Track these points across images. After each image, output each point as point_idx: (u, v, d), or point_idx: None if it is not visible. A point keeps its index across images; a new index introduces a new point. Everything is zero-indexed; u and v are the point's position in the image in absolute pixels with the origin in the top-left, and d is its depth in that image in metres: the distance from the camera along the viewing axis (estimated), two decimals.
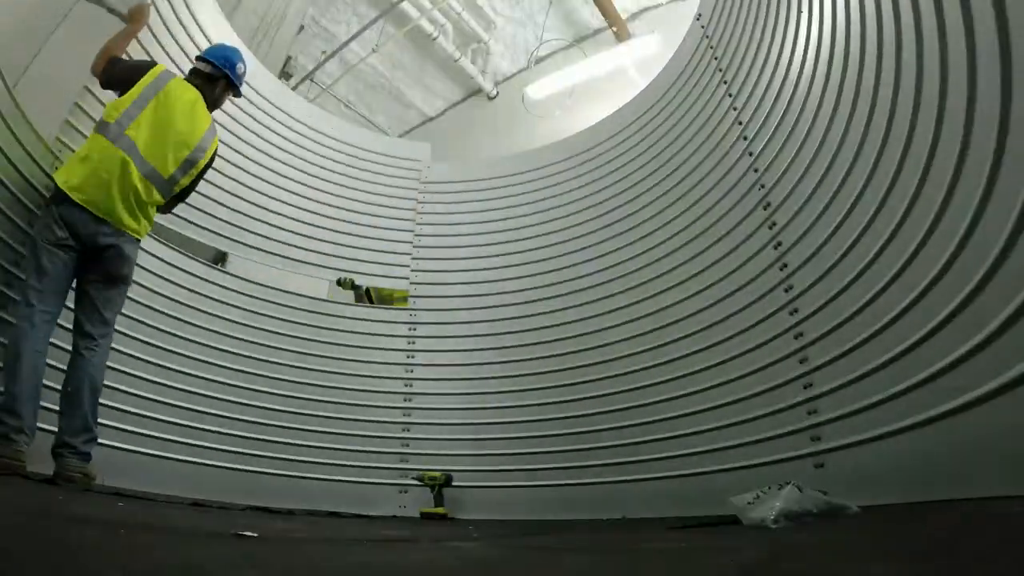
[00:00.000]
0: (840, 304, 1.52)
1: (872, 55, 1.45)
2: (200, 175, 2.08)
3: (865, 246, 1.45)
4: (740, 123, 2.17)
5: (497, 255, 3.14)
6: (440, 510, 2.37)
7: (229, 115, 2.77)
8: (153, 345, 2.30)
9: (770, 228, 1.88)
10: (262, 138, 2.99)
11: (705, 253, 2.17)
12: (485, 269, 3.13)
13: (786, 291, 1.75)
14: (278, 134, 3.08)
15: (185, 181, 2.02)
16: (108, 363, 1.86)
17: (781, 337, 1.73)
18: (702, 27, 2.46)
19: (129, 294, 1.99)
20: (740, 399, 1.83)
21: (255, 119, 2.98)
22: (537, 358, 2.68)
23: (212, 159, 2.10)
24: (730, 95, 2.27)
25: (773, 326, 1.78)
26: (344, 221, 3.14)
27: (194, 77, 2.11)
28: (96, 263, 1.82)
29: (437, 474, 2.44)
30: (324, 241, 3.08)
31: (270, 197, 2.94)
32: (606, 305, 2.51)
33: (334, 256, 3.09)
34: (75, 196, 1.74)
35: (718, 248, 2.12)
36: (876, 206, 1.41)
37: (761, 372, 1.78)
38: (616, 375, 2.33)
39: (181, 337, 2.40)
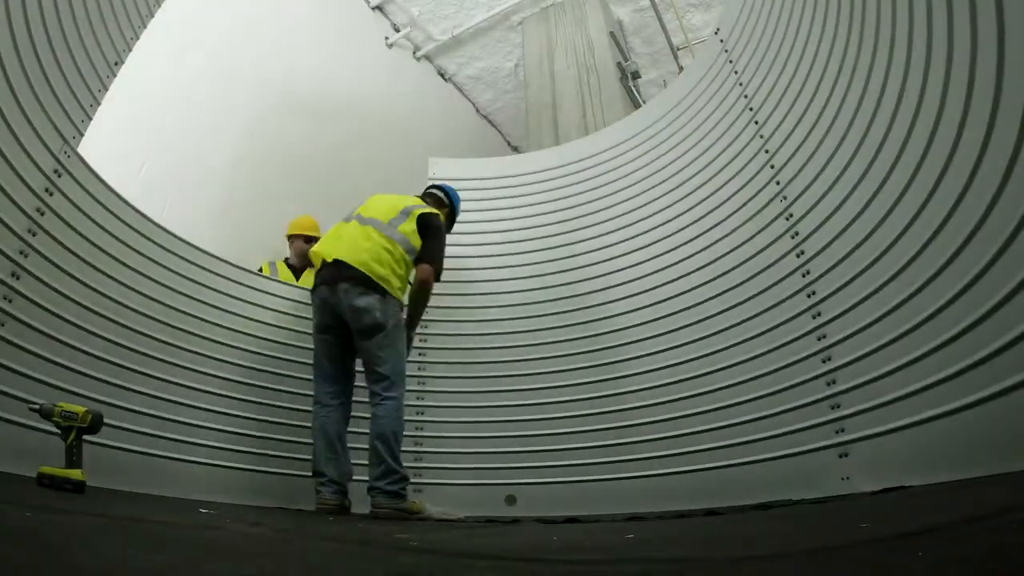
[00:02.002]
0: (862, 311, 1.63)
1: (901, 56, 1.54)
2: (421, 228, 2.46)
3: (885, 248, 1.56)
4: (760, 133, 2.29)
5: (503, 254, 3.19)
6: (73, 473, 1.42)
7: None
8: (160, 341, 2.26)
9: (792, 238, 1.99)
10: None
11: (725, 258, 2.29)
12: (491, 268, 3.17)
13: (808, 296, 1.87)
14: None
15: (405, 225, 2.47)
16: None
17: (804, 338, 1.85)
18: (721, 40, 2.57)
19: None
20: (768, 394, 1.95)
21: None
22: (554, 356, 2.75)
23: (423, 219, 2.48)
24: (746, 96, 2.39)
25: (795, 327, 1.89)
26: None
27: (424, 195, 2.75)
28: None
29: (79, 410, 1.47)
30: None
31: None
32: (626, 305, 2.60)
33: None
34: None
35: (739, 253, 2.23)
36: (895, 206, 1.52)
37: (785, 370, 1.90)
38: (642, 372, 2.43)
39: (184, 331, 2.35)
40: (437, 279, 2.44)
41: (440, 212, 2.63)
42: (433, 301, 3.06)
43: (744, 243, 2.23)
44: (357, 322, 2.18)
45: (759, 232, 2.17)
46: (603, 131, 3.46)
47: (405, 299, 2.41)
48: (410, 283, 2.47)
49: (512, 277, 3.08)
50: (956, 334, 1.30)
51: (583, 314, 2.79)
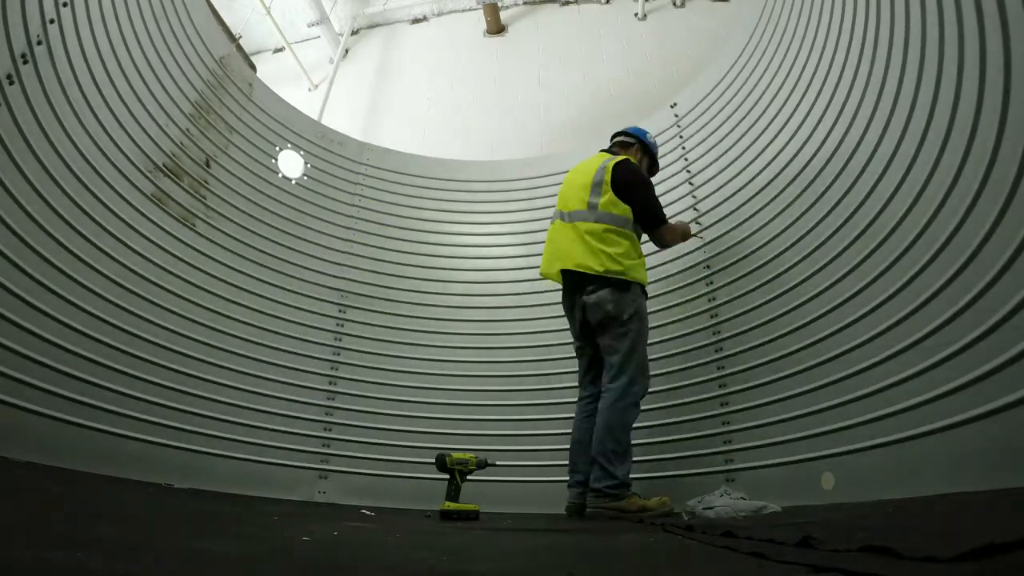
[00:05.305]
0: (757, 370, 2.09)
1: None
2: (620, 193, 2.15)
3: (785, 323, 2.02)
4: (693, 194, 2.72)
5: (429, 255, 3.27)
6: (471, 506, 1.96)
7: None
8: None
9: (708, 287, 2.42)
10: None
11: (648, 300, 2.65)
12: (416, 266, 3.23)
13: (717, 350, 2.30)
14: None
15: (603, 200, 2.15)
16: None
17: (707, 382, 2.28)
18: (676, 115, 2.98)
19: None
20: (671, 422, 2.34)
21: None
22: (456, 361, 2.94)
23: (617, 176, 2.18)
24: (686, 159, 2.85)
25: (702, 389, 2.32)
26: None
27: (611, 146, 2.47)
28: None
29: (468, 456, 2.00)
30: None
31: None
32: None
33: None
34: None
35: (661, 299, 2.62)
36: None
37: (688, 405, 2.32)
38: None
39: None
40: (668, 237, 2.24)
41: (631, 156, 2.35)
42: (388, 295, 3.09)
43: (665, 292, 2.63)
44: (593, 317, 2.07)
45: (681, 287, 2.60)
46: (567, 154, 3.65)
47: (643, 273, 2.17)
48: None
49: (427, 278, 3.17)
50: (818, 409, 1.77)
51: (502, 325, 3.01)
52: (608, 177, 2.17)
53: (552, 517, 2.13)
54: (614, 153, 2.38)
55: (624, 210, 2.14)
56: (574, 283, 2.14)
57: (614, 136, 2.52)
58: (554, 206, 3.22)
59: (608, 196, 2.15)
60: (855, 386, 1.67)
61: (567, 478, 2.11)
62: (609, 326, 2.05)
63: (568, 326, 2.29)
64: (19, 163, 1.80)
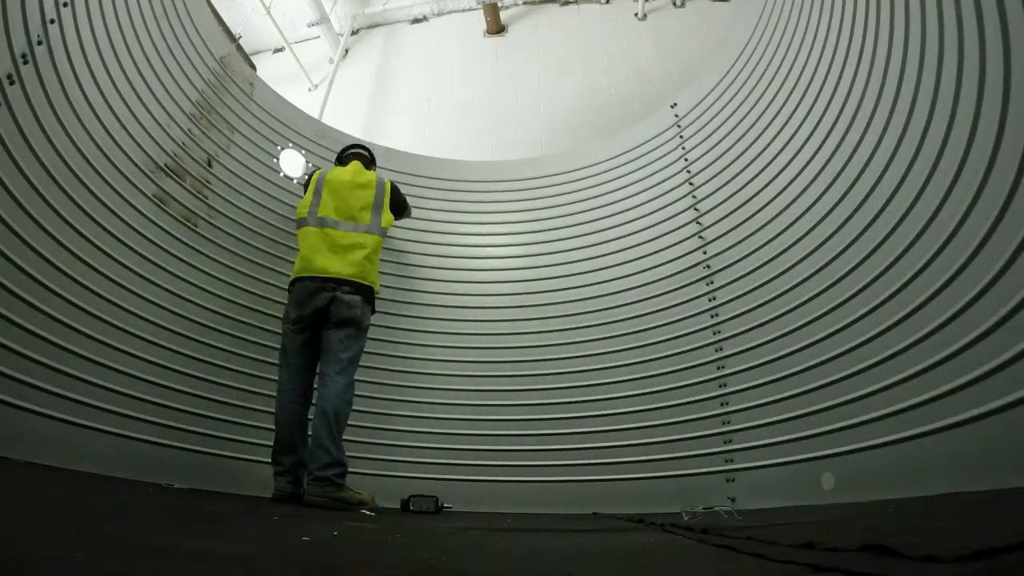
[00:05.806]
0: (757, 371, 2.08)
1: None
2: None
3: (788, 323, 2.02)
4: (693, 196, 2.72)
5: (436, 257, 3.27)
6: None
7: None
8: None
9: (708, 287, 2.42)
10: None
11: (648, 301, 2.66)
12: (416, 266, 3.24)
13: (716, 350, 2.30)
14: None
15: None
16: None
17: (707, 383, 2.28)
18: (676, 115, 2.97)
19: None
20: (671, 422, 2.33)
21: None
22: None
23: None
24: (686, 159, 2.83)
25: (702, 389, 2.32)
26: None
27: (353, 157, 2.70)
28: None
29: None
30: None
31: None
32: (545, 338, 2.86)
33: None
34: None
35: (659, 300, 2.62)
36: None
37: (688, 405, 2.31)
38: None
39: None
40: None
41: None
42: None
43: (665, 292, 2.63)
44: (338, 314, 2.20)
45: (680, 287, 2.59)
46: (567, 155, 3.64)
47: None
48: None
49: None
50: (818, 409, 1.76)
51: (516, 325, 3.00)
52: (387, 200, 2.53)
53: (552, 517, 2.13)
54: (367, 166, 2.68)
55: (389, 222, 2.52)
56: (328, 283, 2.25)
57: (357, 148, 2.78)
58: (555, 205, 3.28)
59: (388, 215, 2.51)
60: (855, 386, 1.67)
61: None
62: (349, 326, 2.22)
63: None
64: (19, 163, 1.80)
